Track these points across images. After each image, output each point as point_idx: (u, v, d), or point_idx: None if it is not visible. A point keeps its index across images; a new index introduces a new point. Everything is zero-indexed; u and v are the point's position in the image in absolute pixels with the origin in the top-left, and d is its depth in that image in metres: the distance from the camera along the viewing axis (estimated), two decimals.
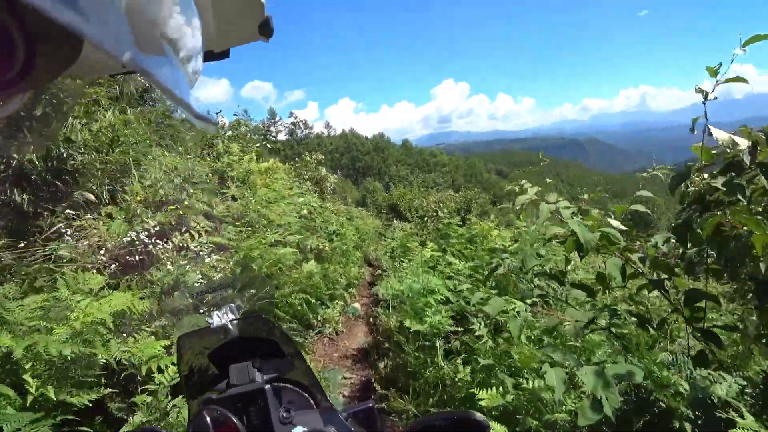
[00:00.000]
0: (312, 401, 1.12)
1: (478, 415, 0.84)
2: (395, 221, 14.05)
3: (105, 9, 0.21)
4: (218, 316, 1.14)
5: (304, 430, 0.91)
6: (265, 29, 0.53)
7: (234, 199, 5.96)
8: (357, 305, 8.94)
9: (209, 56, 0.57)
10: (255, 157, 7.88)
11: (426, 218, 11.60)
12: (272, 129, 69.72)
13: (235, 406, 0.97)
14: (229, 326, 1.14)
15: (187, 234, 3.42)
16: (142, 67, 0.23)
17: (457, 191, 19.65)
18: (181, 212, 3.45)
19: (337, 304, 7.71)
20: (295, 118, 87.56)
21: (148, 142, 5.02)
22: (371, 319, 8.04)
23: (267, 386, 0.99)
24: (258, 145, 10.19)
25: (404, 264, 6.53)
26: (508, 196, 3.09)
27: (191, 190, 4.01)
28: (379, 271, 10.70)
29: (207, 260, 3.26)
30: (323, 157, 16.61)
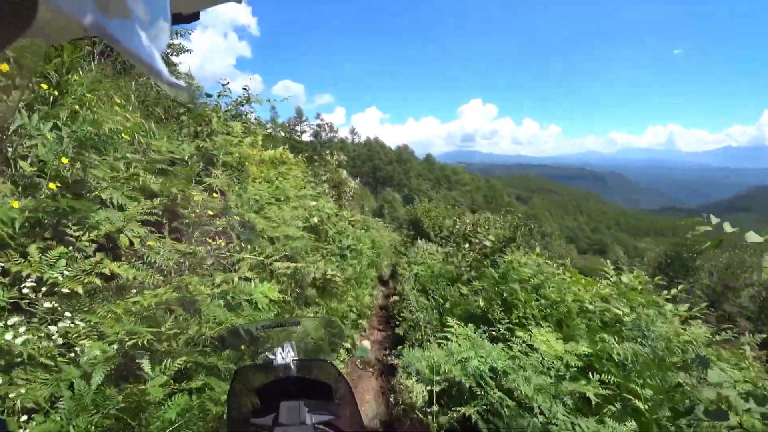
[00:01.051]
0: None
1: None
2: (419, 241, 12.07)
3: None
4: (281, 354, 1.12)
5: None
6: None
7: (218, 192, 4.18)
8: (367, 344, 7.03)
9: (177, 19, 0.51)
10: (259, 142, 6.10)
11: (459, 243, 9.66)
12: (297, 128, 68.74)
13: None
14: (291, 365, 1.12)
15: (60, 246, 1.61)
16: (106, 32, 0.21)
17: (473, 212, 17.80)
18: (47, 203, 1.59)
19: (342, 348, 5.87)
20: (321, 120, 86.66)
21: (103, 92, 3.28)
22: (384, 373, 6.14)
23: None
24: (269, 130, 8.45)
25: (448, 314, 4.63)
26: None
27: (93, 160, 2.13)
28: (395, 297, 8.85)
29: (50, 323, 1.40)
30: (345, 158, 14.88)
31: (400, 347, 5.03)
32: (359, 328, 7.47)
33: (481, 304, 4.38)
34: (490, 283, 5.01)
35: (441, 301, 5.82)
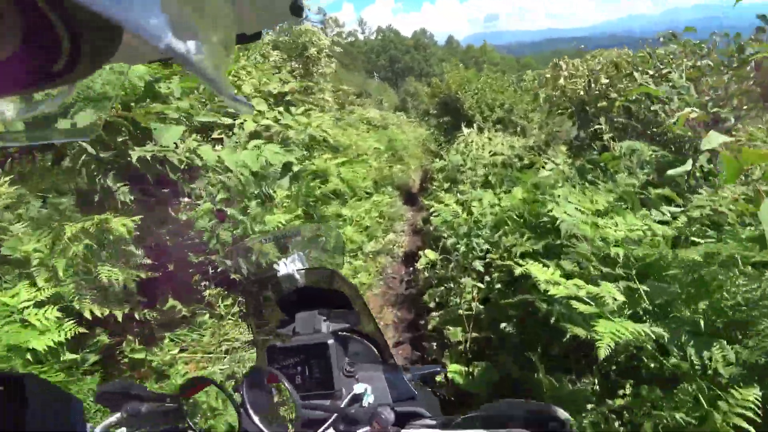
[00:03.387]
0: (378, 354, 1.10)
1: (560, 411, 0.74)
2: (465, 129, 6.54)
3: None
4: (285, 264, 1.11)
5: (365, 388, 0.88)
6: (296, 10, 0.49)
7: None
8: None
9: (241, 38, 0.55)
10: None
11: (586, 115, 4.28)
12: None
13: (299, 355, 0.96)
14: (296, 275, 1.10)
15: None
16: (180, 53, 0.24)
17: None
18: None
19: None
20: (324, 15, 76.36)
21: None
22: None
23: (330, 341, 0.96)
24: None
25: None
26: None
27: None
28: (431, 227, 4.09)
29: None
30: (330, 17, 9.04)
31: None
32: None
33: None
34: None
35: None
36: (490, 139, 5.27)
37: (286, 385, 0.84)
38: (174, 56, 0.24)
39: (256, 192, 3.00)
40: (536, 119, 9.20)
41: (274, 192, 3.05)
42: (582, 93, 4.37)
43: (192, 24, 0.27)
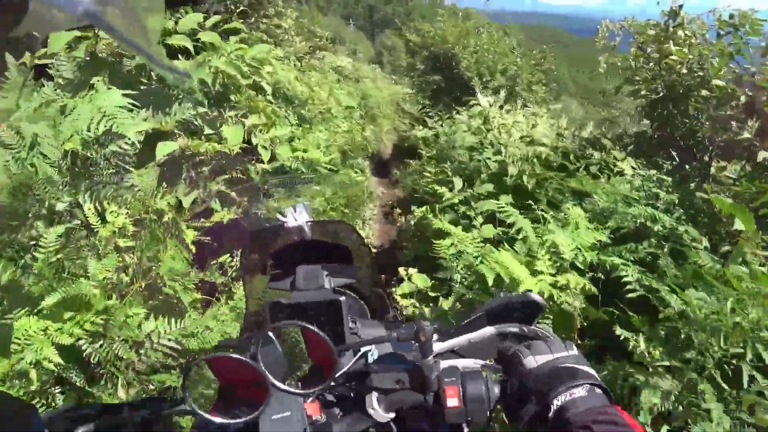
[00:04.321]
0: (368, 311, 1.08)
1: (535, 296, 0.75)
2: (482, 97, 4.80)
3: None
4: (293, 215, 1.02)
5: (370, 350, 0.82)
6: None
7: None
8: None
9: (171, 2, 0.37)
10: None
11: None
12: None
13: (307, 313, 0.86)
14: (305, 227, 1.03)
15: None
16: (100, 20, 0.22)
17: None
18: None
19: None
20: None
21: None
22: None
23: (342, 298, 0.86)
24: None
25: None
26: None
27: None
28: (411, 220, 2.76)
29: None
30: None
31: None
32: None
33: None
34: None
35: None
36: (524, 117, 3.69)
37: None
38: (94, 24, 0.22)
39: (66, 204, 1.32)
40: (541, 92, 7.73)
41: (101, 206, 1.34)
42: (685, 71, 2.81)
43: None
